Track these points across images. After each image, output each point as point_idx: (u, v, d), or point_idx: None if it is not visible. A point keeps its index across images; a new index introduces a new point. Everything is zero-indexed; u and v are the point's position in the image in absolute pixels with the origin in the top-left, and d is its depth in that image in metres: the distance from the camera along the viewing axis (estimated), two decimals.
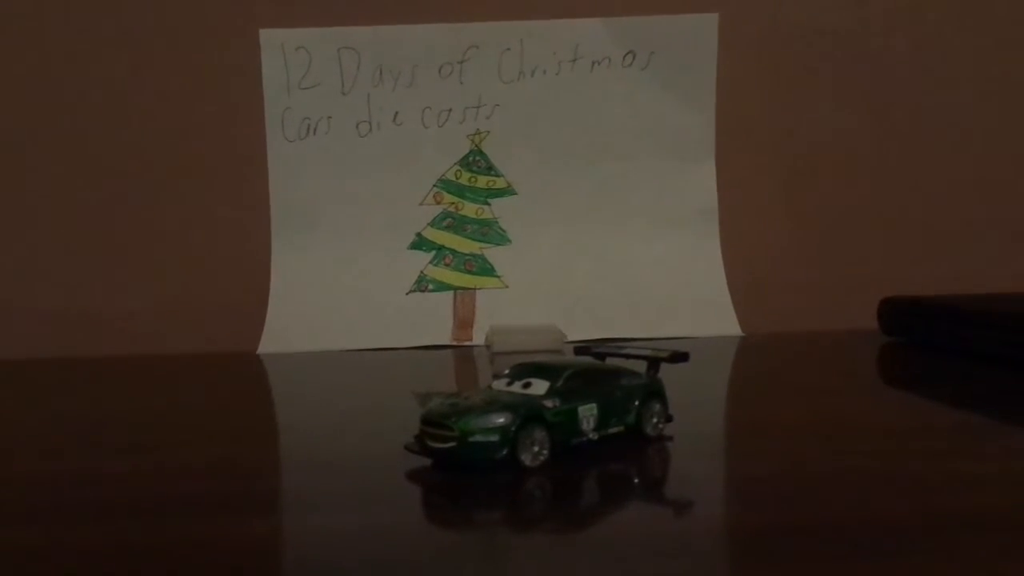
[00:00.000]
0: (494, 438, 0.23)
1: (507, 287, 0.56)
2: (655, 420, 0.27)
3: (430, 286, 0.56)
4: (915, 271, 0.58)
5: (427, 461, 0.25)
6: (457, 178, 0.57)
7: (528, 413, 0.24)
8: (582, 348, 0.30)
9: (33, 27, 0.56)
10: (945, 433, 0.28)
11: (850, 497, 0.22)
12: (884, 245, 0.59)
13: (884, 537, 0.19)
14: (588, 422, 0.25)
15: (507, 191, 0.57)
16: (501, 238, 0.57)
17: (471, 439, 0.23)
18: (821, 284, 0.58)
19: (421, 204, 0.57)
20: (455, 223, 0.57)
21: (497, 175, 0.57)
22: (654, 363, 0.28)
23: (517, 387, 0.25)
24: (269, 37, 0.56)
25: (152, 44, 0.57)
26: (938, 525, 0.20)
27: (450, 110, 0.57)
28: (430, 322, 0.54)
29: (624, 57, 0.57)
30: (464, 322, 0.54)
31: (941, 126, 0.59)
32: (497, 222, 0.57)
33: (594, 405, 0.25)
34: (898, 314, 0.48)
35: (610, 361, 0.28)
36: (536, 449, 0.24)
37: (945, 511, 0.21)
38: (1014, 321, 0.40)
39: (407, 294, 0.55)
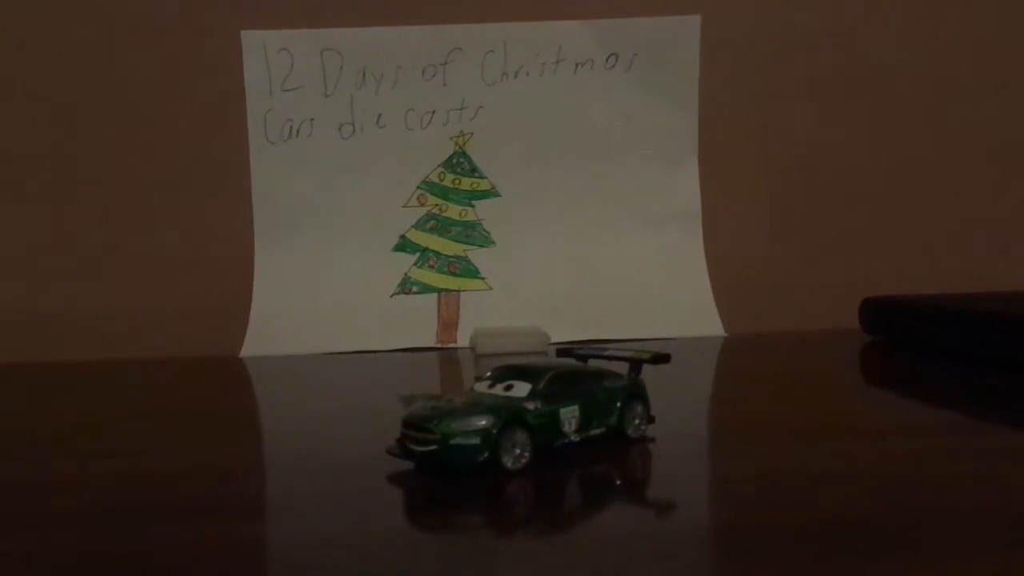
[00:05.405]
0: (475, 441, 0.23)
1: (491, 289, 0.56)
2: (637, 421, 0.27)
3: (414, 288, 0.56)
4: (896, 271, 0.58)
5: (410, 465, 0.25)
6: (441, 180, 0.57)
7: (509, 415, 0.24)
8: (564, 350, 0.30)
9: (12, 27, 0.56)
10: (925, 432, 0.29)
11: (831, 496, 0.22)
12: (866, 246, 0.60)
13: (864, 536, 0.19)
14: (570, 424, 0.25)
15: (491, 193, 0.57)
16: (485, 240, 0.57)
17: (452, 442, 0.23)
18: (803, 284, 0.59)
19: (405, 206, 0.57)
20: (439, 225, 0.57)
21: (481, 177, 0.57)
22: (636, 365, 0.28)
23: (499, 389, 0.25)
24: (251, 39, 0.55)
25: (133, 44, 0.56)
26: (918, 523, 0.20)
27: (433, 112, 0.57)
28: (414, 324, 0.54)
29: (607, 59, 0.57)
30: (448, 324, 0.54)
31: (922, 127, 0.60)
32: (481, 224, 0.57)
33: (576, 407, 0.25)
34: (879, 314, 0.49)
35: (592, 363, 0.28)
36: (517, 452, 0.24)
37: (925, 509, 0.21)
38: (993, 321, 0.40)
39: (391, 296, 0.55)
